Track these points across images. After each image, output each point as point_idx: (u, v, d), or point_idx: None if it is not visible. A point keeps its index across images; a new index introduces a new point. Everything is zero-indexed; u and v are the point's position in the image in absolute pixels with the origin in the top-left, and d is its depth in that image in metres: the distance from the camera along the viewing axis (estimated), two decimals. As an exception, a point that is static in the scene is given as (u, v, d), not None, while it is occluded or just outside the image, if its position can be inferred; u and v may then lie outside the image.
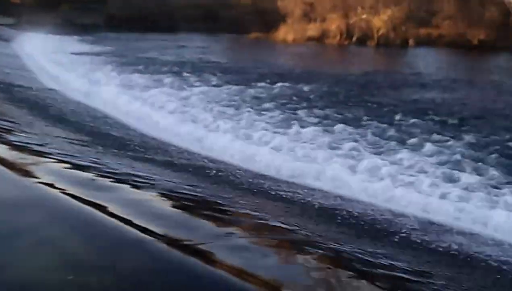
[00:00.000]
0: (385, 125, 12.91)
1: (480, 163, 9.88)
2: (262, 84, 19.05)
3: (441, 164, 9.74)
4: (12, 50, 28.70)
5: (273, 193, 7.85)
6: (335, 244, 5.71)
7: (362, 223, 6.75)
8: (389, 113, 14.57)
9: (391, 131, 12.29)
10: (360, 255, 5.42)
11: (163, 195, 6.66)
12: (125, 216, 5.24)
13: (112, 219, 5.13)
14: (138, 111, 14.33)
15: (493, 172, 9.22)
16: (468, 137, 12.01)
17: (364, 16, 44.59)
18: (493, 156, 10.58)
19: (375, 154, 10.12)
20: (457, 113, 15.06)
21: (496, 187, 8.58)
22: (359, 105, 15.78)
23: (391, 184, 8.31)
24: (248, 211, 6.75)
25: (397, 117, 13.99)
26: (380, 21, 43.62)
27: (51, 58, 25.95)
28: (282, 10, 49.96)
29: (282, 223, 6.30)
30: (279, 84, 19.39)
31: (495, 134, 12.60)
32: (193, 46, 38.37)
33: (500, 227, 6.90)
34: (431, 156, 10.28)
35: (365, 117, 13.78)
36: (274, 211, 6.90)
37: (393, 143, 11.10)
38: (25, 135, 8.53)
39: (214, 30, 51.82)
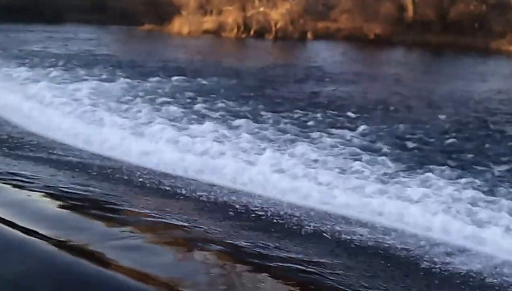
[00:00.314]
0: (285, 119, 12.68)
1: (376, 153, 9.95)
2: (157, 78, 18.52)
3: (338, 155, 9.72)
4: None
5: (169, 189, 7.64)
6: (233, 239, 5.65)
7: (260, 217, 6.69)
8: (289, 107, 14.39)
9: (291, 125, 12.09)
10: (258, 249, 5.39)
11: (50, 194, 6.29)
12: (8, 218, 4.86)
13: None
14: (21, 107, 13.41)
15: (387, 162, 9.33)
16: (366, 128, 12.04)
17: (261, 9, 44.36)
18: (389, 146, 10.71)
19: (273, 147, 10.00)
20: (356, 106, 15.11)
21: (390, 176, 8.65)
22: (258, 99, 15.51)
23: (289, 177, 8.24)
24: (142, 209, 6.51)
25: (297, 110, 13.79)
26: (278, 14, 43.50)
27: None
28: (176, 1, 48.74)
29: (178, 220, 6.17)
30: (176, 78, 18.98)
31: (393, 125, 12.72)
32: (82, 38, 36.83)
33: (393, 215, 7.07)
34: (330, 148, 10.24)
35: (264, 111, 13.52)
36: (170, 208, 6.72)
37: (292, 136, 10.94)
38: None
39: (104, 22, 49.69)
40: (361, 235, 6.32)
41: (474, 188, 8.16)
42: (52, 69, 19.94)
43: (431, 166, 9.22)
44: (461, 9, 44.38)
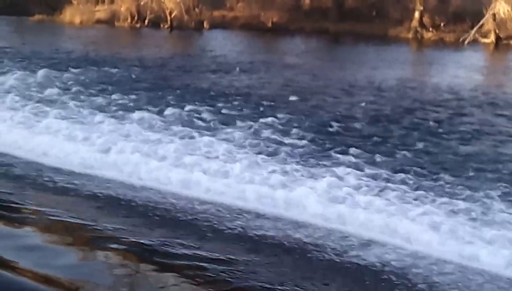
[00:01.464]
0: (186, 111, 12.26)
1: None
2: (49, 70, 17.86)
3: (241, 147, 9.42)
4: None
5: (65, 186, 7.49)
6: (136, 237, 5.60)
7: (162, 213, 6.60)
8: (189, 98, 13.97)
9: (192, 117, 11.75)
10: (162, 247, 5.37)
11: None
12: None
13: None
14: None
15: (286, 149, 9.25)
16: (272, 119, 11.68)
17: None
18: (294, 131, 10.60)
19: (173, 141, 9.80)
20: (259, 96, 14.90)
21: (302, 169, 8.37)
22: (156, 91, 15.21)
23: (186, 170, 8.13)
24: (40, 208, 6.39)
25: (198, 102, 13.34)
26: (172, 3, 42.34)
27: None
28: None
29: (77, 218, 6.07)
30: (72, 70, 18.39)
31: (303, 114, 12.56)
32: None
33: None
34: (234, 139, 9.92)
35: (163, 104, 13.05)
36: (67, 206, 6.58)
37: (190, 129, 10.52)
38: None
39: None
40: (267, 229, 6.33)
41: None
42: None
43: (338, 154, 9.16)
44: (358, -4, 44.31)
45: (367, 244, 6.10)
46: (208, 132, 10.32)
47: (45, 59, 21.48)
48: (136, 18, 43.54)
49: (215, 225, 6.32)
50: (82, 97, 13.67)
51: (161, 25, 42.27)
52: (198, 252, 5.41)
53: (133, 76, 18.11)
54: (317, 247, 5.91)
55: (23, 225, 5.67)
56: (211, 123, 11.18)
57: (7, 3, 48.66)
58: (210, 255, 5.38)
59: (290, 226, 6.54)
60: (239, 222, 6.52)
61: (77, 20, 43.91)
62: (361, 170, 8.30)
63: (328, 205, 7.06)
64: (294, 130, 10.90)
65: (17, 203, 6.50)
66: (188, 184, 7.82)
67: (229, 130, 10.60)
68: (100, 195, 7.21)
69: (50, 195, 7.19)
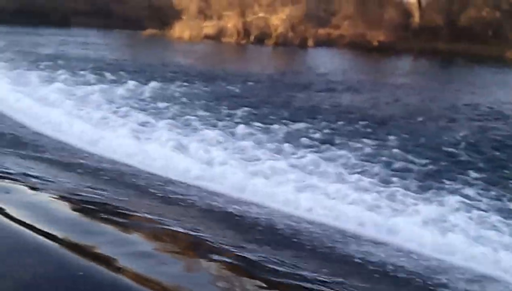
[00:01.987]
0: (292, 128, 12.52)
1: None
2: (158, 83, 18.70)
3: (341, 166, 9.40)
4: None
5: (174, 196, 7.73)
6: (239, 251, 5.63)
7: (267, 229, 6.63)
8: (295, 116, 14.13)
9: (299, 135, 11.82)
10: (265, 263, 5.36)
11: (62, 197, 6.40)
12: (23, 219, 5.01)
13: (10, 222, 4.88)
14: (31, 109, 13.68)
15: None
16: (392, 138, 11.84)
17: (261, 15, 43.69)
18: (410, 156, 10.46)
19: (276, 156, 9.97)
20: (367, 116, 14.72)
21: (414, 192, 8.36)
22: (263, 106, 15.50)
23: (294, 188, 8.14)
24: (149, 215, 6.60)
25: (304, 120, 13.46)
26: (278, 20, 42.73)
27: None
28: (177, 6, 48.65)
29: (184, 228, 6.21)
30: (178, 83, 19.16)
31: (417, 135, 12.44)
32: (88, 42, 37.13)
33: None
34: (336, 159, 9.92)
35: (270, 119, 13.42)
36: (175, 215, 6.76)
37: (299, 146, 10.71)
38: None
39: (108, 26, 50.23)
40: (369, 254, 6.17)
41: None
42: (60, 72, 20.24)
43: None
44: (472, 15, 42.36)
45: (478, 280, 5.85)
46: (315, 151, 10.29)
47: (156, 71, 22.46)
48: (242, 34, 44.36)
49: (319, 246, 6.28)
50: (189, 110, 14.14)
51: (266, 42, 42.56)
52: (302, 272, 5.34)
53: (240, 91, 18.48)
54: (420, 277, 5.77)
55: (133, 231, 5.85)
56: (319, 142, 11.16)
57: (121, 19, 51.67)
58: (315, 276, 5.30)
59: (393, 253, 6.40)
60: (341, 244, 6.44)
61: (186, 35, 45.58)
62: (478, 200, 8.01)
63: (436, 233, 6.86)
64: (405, 153, 10.74)
65: (128, 210, 6.76)
66: (292, 202, 7.82)
67: (337, 151, 10.55)
68: (205, 206, 7.35)
69: (158, 203, 7.42)
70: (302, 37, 42.84)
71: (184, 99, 15.69)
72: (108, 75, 20.30)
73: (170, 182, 8.50)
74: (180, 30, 46.41)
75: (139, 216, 6.55)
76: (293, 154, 10.27)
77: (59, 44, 34.22)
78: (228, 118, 13.46)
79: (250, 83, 20.81)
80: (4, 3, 52.72)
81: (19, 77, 18.53)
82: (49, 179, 7.33)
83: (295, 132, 12.19)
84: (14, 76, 18.86)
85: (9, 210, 5.19)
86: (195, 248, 5.66)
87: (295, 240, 6.42)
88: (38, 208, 5.66)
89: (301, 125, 12.84)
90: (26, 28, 44.03)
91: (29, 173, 7.44)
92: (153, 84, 18.19)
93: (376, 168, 9.56)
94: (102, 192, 7.25)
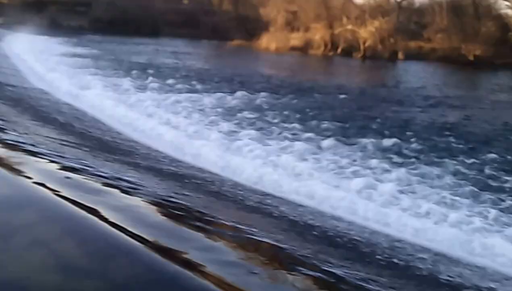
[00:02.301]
0: (379, 144, 12.34)
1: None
2: (245, 93, 18.93)
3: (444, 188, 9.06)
4: (1, 49, 28.30)
5: (259, 206, 7.74)
6: (326, 266, 5.52)
7: (356, 245, 6.48)
8: (384, 132, 13.88)
9: (386, 151, 11.71)
10: (352, 280, 5.23)
11: (152, 202, 6.55)
12: (116, 221, 5.13)
13: (104, 224, 5.01)
14: (122, 115, 14.25)
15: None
16: (492, 157, 11.38)
17: (349, 27, 43.06)
18: None
19: (365, 172, 9.81)
20: (465, 133, 14.24)
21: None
22: (350, 121, 15.34)
23: (382, 204, 8.07)
24: (236, 224, 6.63)
25: (394, 137, 13.11)
26: (367, 33, 41.92)
27: (38, 59, 25.69)
28: (264, 18, 49.04)
29: (269, 239, 6.18)
30: (265, 93, 19.29)
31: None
32: (177, 52, 38.23)
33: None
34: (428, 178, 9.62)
35: (358, 134, 13.25)
36: (262, 225, 6.77)
37: (386, 163, 10.52)
38: (16, 134, 8.35)
39: (196, 36, 51.57)
40: (463, 276, 5.93)
41: None
42: (150, 80, 20.93)
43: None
44: None
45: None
46: (406, 168, 10.01)
47: (243, 81, 22.76)
48: (329, 46, 43.96)
49: (413, 266, 6.08)
50: (277, 121, 14.18)
51: (354, 54, 41.90)
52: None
53: (328, 103, 18.39)
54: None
55: (219, 239, 5.88)
56: (410, 159, 10.87)
57: (209, 29, 52.86)
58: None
59: (491, 277, 6.13)
60: (434, 266, 6.20)
61: (272, 46, 45.95)
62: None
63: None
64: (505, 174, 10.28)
65: (214, 217, 6.82)
66: (380, 219, 7.61)
67: (430, 168, 10.20)
68: (291, 218, 7.27)
69: (243, 213, 7.45)
70: (391, 50, 41.78)
71: (271, 110, 15.78)
72: (197, 84, 20.79)
73: (255, 192, 8.51)
74: (267, 41, 46.84)
75: (225, 224, 6.58)
76: (384, 170, 10.03)
77: (150, 53, 35.45)
78: (316, 130, 13.41)
79: (340, 96, 20.62)
80: (99, 13, 55.38)
81: (113, 84, 19.33)
82: (140, 183, 7.52)
83: (386, 147, 11.91)
84: (108, 83, 19.70)
85: (102, 212, 5.34)
86: (281, 259, 5.60)
87: (387, 259, 6.25)
88: (129, 211, 5.79)
89: (392, 140, 12.52)
90: (119, 37, 45.97)
91: (121, 176, 7.67)
92: (240, 94, 18.43)
93: (470, 188, 9.14)
94: (189, 199, 7.37)
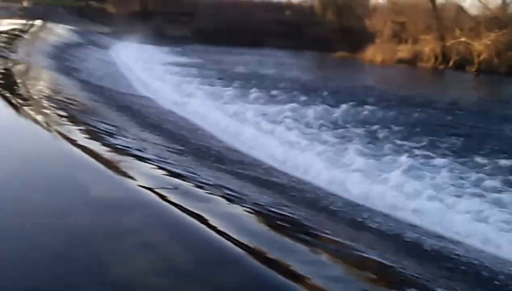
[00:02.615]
0: (501, 164, 11.83)
1: None
2: (350, 106, 18.77)
3: None
4: (109, 57, 29.93)
5: (364, 222, 7.64)
6: (435, 287, 5.36)
7: (473, 270, 6.25)
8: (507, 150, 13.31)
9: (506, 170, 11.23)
10: None
11: (255, 211, 6.64)
12: (222, 229, 5.25)
13: (209, 230, 5.14)
14: (224, 124, 14.58)
15: None
16: None
17: (462, 39, 41.57)
18: None
19: (477, 196, 9.38)
20: None
21: None
22: (468, 137, 14.86)
23: (498, 229, 7.72)
24: (340, 239, 6.59)
25: None
26: (482, 46, 40.23)
27: (143, 67, 26.91)
28: (370, 29, 48.49)
29: (377, 256, 6.08)
30: (370, 107, 19.04)
31: None
32: (279, 62, 38.64)
33: None
34: None
35: (476, 153, 12.71)
36: (368, 241, 6.68)
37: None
38: (124, 139, 8.76)
39: (299, 47, 51.75)
40: None
41: None
42: (253, 90, 21.29)
43: None
44: None
45: None
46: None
47: (347, 94, 22.61)
48: (440, 59, 42.61)
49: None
50: (383, 135, 13.94)
51: (467, 68, 40.33)
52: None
53: (441, 119, 17.86)
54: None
55: (323, 253, 5.84)
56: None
57: (312, 40, 52.91)
58: None
59: None
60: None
61: (378, 58, 45.23)
62: None
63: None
64: None
65: (317, 230, 6.79)
66: (498, 245, 7.28)
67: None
68: (401, 237, 7.10)
69: (347, 227, 7.37)
70: (509, 65, 39.75)
71: (378, 124, 15.55)
72: (300, 95, 20.89)
73: (361, 207, 8.40)
74: (372, 53, 46.23)
75: (328, 238, 6.55)
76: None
77: (253, 63, 36.10)
78: (428, 147, 13.05)
79: (454, 111, 19.90)
80: (202, 23, 57.15)
81: (216, 93, 19.86)
82: (242, 192, 7.65)
83: (505, 167, 11.34)
84: (211, 92, 20.26)
85: (208, 218, 5.47)
86: (389, 278, 5.49)
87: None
88: (233, 218, 5.89)
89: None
90: (221, 47, 47.22)
91: (224, 184, 7.84)
92: (345, 106, 18.30)
93: None
94: (291, 210, 7.39)
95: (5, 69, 14.52)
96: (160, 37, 48.23)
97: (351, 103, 19.42)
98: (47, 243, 4.26)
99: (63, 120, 9.17)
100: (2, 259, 3.93)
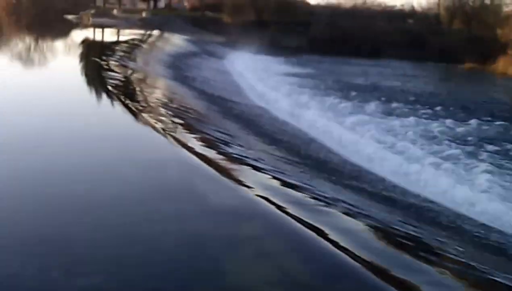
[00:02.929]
0: None
1: None
2: (480, 122, 18.06)
3: None
4: (224, 67, 30.80)
5: (495, 244, 7.32)
6: None
7: None
8: None
9: None
10: None
11: (374, 226, 6.55)
12: (339, 242, 5.23)
13: (327, 243, 5.14)
14: (340, 137, 14.53)
15: None
16: None
17: None
18: None
19: None
20: None
21: None
22: None
23: None
24: (467, 260, 6.35)
25: None
26: None
27: (258, 77, 27.42)
28: (502, 39, 46.34)
29: (510, 281, 5.80)
30: (501, 123, 18.18)
31: None
32: (400, 74, 37.92)
33: None
34: None
35: None
36: (497, 265, 6.39)
37: None
38: (239, 148, 8.98)
39: (422, 58, 50.29)
40: None
41: None
42: (369, 103, 21.05)
43: None
44: None
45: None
46: None
47: (476, 109, 21.81)
48: None
49: None
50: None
51: None
52: None
53: None
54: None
55: (451, 275, 5.65)
56: None
57: (437, 51, 51.32)
58: None
59: None
60: None
61: (511, 71, 43.13)
62: None
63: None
64: None
65: (443, 250, 6.58)
66: None
67: None
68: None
69: (476, 249, 7.10)
70: None
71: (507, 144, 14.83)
72: (423, 109, 20.42)
73: (487, 227, 8.07)
74: (504, 65, 44.13)
75: (453, 258, 6.33)
76: None
77: (371, 74, 35.71)
78: None
79: None
80: (318, 33, 57.22)
81: (331, 105, 19.85)
82: (360, 207, 7.58)
83: None
84: (326, 103, 20.28)
85: (326, 231, 5.48)
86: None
87: None
88: (351, 233, 5.85)
89: None
90: (337, 57, 47.12)
91: (340, 197, 7.81)
92: (474, 122, 17.65)
93: None
94: (414, 227, 7.23)
95: (124, 77, 15.39)
96: (275, 47, 48.97)
97: (482, 119, 18.67)
98: (168, 247, 4.48)
99: (179, 128, 9.57)
100: (128, 263, 4.17)
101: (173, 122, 9.94)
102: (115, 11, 66.22)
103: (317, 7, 68.42)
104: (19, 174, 6.15)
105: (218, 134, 9.77)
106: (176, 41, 37.22)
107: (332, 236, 5.38)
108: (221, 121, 12.15)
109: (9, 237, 4.48)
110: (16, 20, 48.90)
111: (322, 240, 5.18)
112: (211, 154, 7.73)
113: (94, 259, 4.16)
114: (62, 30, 43.31)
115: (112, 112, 10.62)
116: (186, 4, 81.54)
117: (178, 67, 22.76)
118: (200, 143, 8.38)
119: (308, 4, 71.19)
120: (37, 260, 4.08)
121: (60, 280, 3.84)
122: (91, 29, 45.32)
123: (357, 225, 6.36)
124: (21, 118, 9.08)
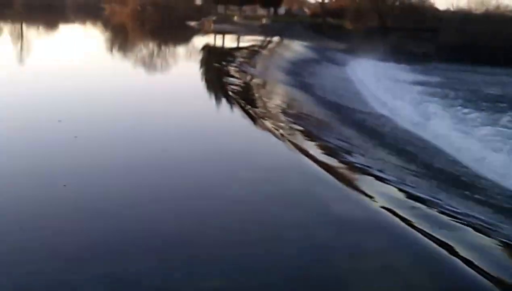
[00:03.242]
0: None
1: None
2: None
3: None
4: (345, 74, 30.63)
5: None
6: None
7: None
8: None
9: None
10: None
11: (508, 244, 6.25)
12: (469, 258, 5.04)
13: (457, 260, 4.97)
14: (470, 149, 14.02)
15: None
16: None
17: None
18: None
19: None
20: None
21: None
22: None
23: None
24: None
25: None
26: None
27: (381, 85, 27.05)
28: None
29: None
30: None
31: None
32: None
33: None
34: None
35: None
36: None
37: None
38: (361, 157, 8.90)
39: None
40: None
41: None
42: (503, 114, 20.12)
43: None
44: None
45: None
46: None
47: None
48: None
49: None
50: None
51: None
52: None
53: None
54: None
55: None
56: None
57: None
58: None
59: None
60: None
61: None
62: None
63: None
64: None
65: None
66: None
67: None
68: None
69: None
70: None
71: None
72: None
73: None
74: None
75: None
76: None
77: (507, 84, 34.14)
78: None
79: None
80: (447, 40, 55.30)
81: (459, 116, 19.21)
82: (496, 224, 7.26)
83: None
84: (454, 114, 19.64)
85: (454, 246, 5.30)
86: None
87: None
88: (484, 251, 5.63)
89: None
90: (467, 65, 45.42)
91: (472, 213, 7.51)
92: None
93: None
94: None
95: (244, 83, 15.74)
96: (399, 54, 47.96)
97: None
98: (290, 254, 4.53)
99: (299, 134, 9.64)
100: (247, 266, 4.27)
101: (293, 129, 10.02)
102: (235, 18, 67.99)
103: (447, 12, 66.26)
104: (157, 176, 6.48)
105: (339, 142, 9.74)
106: (296, 48, 37.53)
107: (462, 253, 5.20)
108: (342, 129, 12.09)
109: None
110: (141, 27, 51.42)
111: (451, 256, 5.03)
112: (332, 162, 7.72)
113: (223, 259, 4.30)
114: (184, 36, 45.07)
115: (232, 117, 10.89)
116: (306, 10, 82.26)
117: (297, 74, 22.93)
118: (321, 151, 8.39)
119: (436, 9, 69.20)
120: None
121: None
122: (212, 35, 46.73)
123: (491, 242, 6.10)
124: (143, 120, 9.57)
